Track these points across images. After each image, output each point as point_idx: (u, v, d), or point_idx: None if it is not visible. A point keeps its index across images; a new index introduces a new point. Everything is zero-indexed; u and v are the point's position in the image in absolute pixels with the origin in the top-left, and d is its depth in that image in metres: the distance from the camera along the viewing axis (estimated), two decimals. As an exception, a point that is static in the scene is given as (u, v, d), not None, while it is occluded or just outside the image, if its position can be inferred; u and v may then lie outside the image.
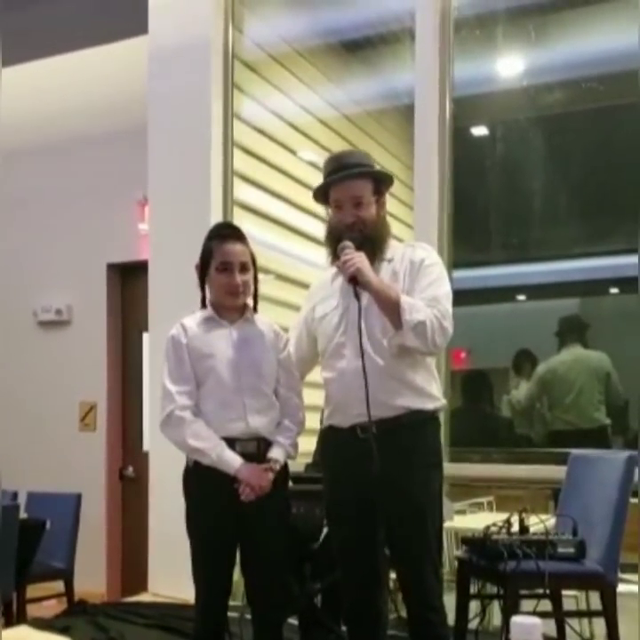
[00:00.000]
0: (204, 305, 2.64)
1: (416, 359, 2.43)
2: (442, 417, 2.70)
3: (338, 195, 2.51)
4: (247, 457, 2.51)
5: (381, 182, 2.56)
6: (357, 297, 2.36)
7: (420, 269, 2.45)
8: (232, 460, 2.48)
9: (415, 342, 2.33)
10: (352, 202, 2.49)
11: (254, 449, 2.54)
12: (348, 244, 2.40)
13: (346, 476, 2.45)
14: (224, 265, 2.54)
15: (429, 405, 2.45)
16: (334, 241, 2.49)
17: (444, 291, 2.45)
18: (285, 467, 2.62)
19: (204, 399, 2.54)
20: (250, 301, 2.65)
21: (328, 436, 2.57)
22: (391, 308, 2.34)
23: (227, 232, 2.64)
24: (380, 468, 2.31)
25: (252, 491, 2.46)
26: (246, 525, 2.50)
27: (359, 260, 2.36)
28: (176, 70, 4.67)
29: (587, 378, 4.66)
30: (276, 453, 2.55)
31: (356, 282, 2.34)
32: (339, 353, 2.48)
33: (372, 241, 2.47)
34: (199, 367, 2.54)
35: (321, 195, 2.59)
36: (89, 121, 5.59)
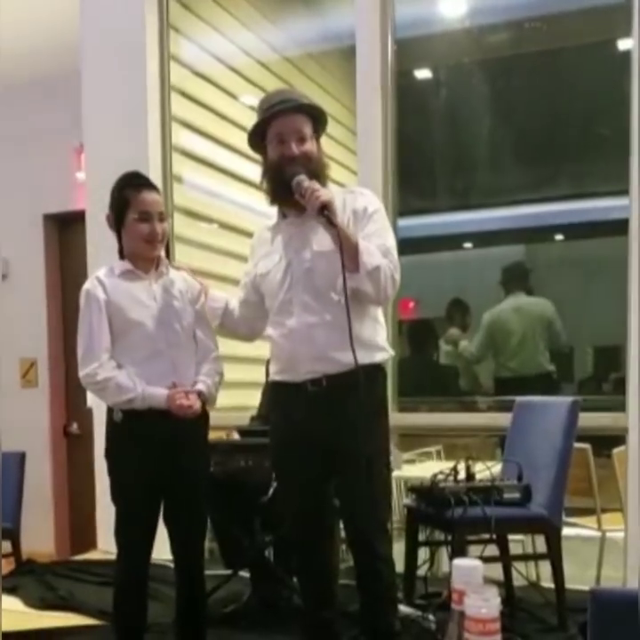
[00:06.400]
0: (122, 255, 2.56)
1: (363, 311, 2.36)
2: (389, 366, 2.66)
3: (280, 128, 2.36)
4: None
5: (318, 122, 2.44)
6: (332, 223, 2.19)
7: (365, 217, 2.36)
8: (158, 394, 2.44)
9: (369, 287, 2.25)
10: (296, 135, 2.35)
11: None
12: (304, 177, 2.26)
13: (295, 430, 2.39)
14: (144, 214, 2.49)
15: (377, 357, 2.41)
16: (275, 177, 2.36)
17: (392, 241, 2.38)
18: (206, 417, 2.59)
19: (128, 353, 2.47)
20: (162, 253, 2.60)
21: (276, 391, 2.50)
22: (351, 250, 2.22)
23: (140, 181, 2.57)
24: (329, 421, 2.30)
25: (189, 408, 2.43)
26: (168, 479, 2.47)
27: (325, 190, 2.24)
28: (108, 10, 4.45)
29: (529, 325, 4.69)
30: (199, 385, 2.51)
31: (326, 210, 2.19)
32: (287, 310, 2.39)
33: (317, 178, 2.32)
34: (121, 321, 2.47)
35: (259, 134, 2.42)
36: (19, 65, 5.30)
